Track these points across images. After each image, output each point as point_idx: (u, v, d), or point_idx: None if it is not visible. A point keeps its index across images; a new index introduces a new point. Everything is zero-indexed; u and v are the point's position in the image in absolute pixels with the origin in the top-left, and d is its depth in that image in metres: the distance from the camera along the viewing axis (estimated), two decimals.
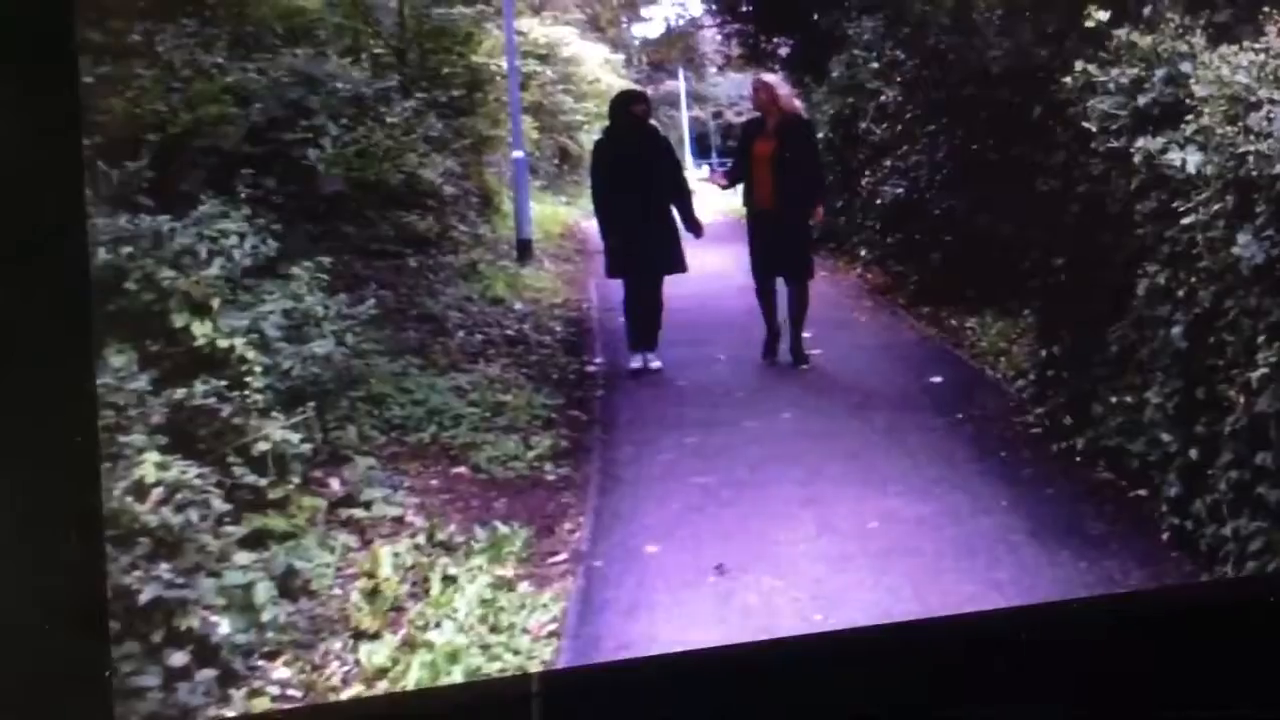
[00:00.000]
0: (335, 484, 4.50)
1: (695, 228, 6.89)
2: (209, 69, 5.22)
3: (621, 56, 8.04)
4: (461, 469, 5.03)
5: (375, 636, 4.00)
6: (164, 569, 3.62)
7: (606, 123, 7.03)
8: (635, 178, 6.69)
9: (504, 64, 6.91)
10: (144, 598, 3.52)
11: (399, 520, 4.54)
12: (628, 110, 6.77)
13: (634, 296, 6.86)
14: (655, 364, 6.61)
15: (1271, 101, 4.31)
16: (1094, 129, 5.23)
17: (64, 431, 2.97)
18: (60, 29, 3.13)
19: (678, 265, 6.82)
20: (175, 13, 5.18)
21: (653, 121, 7.46)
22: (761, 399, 5.74)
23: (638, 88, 7.48)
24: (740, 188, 6.95)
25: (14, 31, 3.01)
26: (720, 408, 5.68)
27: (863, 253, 7.06)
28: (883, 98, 7.13)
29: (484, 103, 6.94)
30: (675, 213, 6.83)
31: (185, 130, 4.92)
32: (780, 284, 6.79)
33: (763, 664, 3.50)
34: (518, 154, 6.93)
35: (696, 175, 8.05)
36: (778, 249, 6.82)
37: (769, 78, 7.02)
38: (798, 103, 7.11)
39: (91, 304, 3.18)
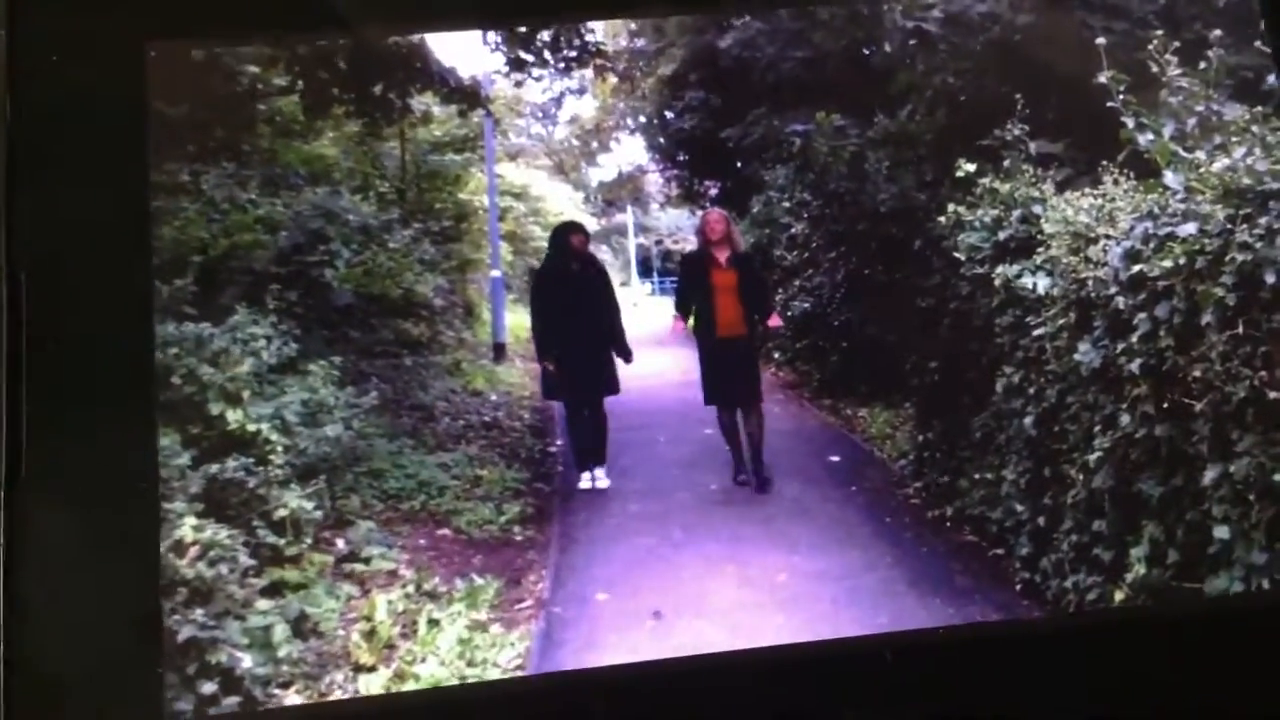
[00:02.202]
0: (341, 543, 4.41)
1: (625, 355, 6.19)
2: (243, 203, 5.17)
3: (581, 194, 7.90)
4: (445, 530, 4.94)
5: (372, 669, 3.93)
6: (199, 613, 3.57)
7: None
8: (572, 304, 6.16)
9: (486, 200, 6.80)
10: (181, 637, 3.47)
11: (393, 573, 4.45)
12: (566, 240, 6.23)
13: (575, 417, 6.24)
14: (602, 483, 5.82)
15: (1106, 237, 4.31)
16: (963, 258, 5.22)
17: (128, 454, 2.93)
18: (138, 168, 3.16)
19: (611, 388, 6.16)
20: (217, 158, 5.12)
21: (593, 250, 7.22)
22: (693, 474, 5.59)
23: (576, 220, 6.96)
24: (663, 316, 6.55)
25: (100, 167, 3.05)
26: (660, 480, 5.58)
27: (776, 355, 6.97)
28: (793, 230, 7.03)
29: (469, 231, 6.83)
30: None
31: (223, 254, 4.85)
32: None
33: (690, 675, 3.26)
34: (495, 273, 6.79)
35: (642, 291, 8.04)
36: (741, 377, 6.15)
37: (721, 211, 6.37)
38: (739, 235, 6.41)
39: (154, 362, 3.11)
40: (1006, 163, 5.27)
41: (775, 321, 6.46)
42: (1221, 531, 3.51)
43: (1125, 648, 3.09)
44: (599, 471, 5.79)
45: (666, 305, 7.23)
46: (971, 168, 5.30)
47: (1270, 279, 3.37)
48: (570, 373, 6.15)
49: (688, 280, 6.33)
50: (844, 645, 3.26)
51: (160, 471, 3.76)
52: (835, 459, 5.96)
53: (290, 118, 5.68)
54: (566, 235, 6.26)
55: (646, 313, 7.35)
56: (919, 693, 3.05)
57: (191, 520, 3.76)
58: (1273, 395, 3.35)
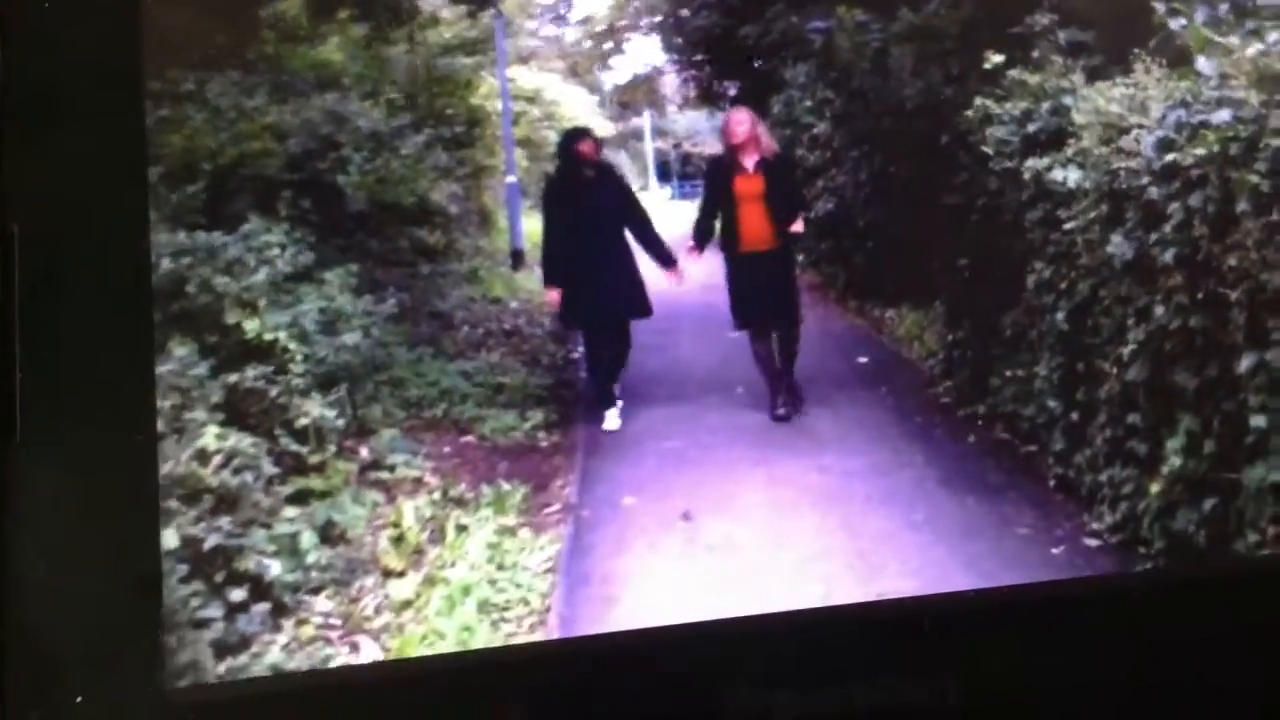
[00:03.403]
0: (364, 451, 4.50)
1: (666, 260, 5.88)
2: (251, 111, 5.17)
3: (596, 98, 7.78)
4: (469, 438, 5.03)
5: (401, 575, 4.03)
6: (225, 521, 3.66)
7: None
8: (587, 218, 5.86)
9: (498, 105, 6.76)
10: (207, 545, 3.56)
11: (418, 481, 4.54)
12: (573, 149, 5.95)
13: (595, 347, 5.92)
14: (611, 424, 5.56)
15: (1138, 127, 4.34)
16: (991, 153, 5.23)
17: (126, 421, 2.86)
18: (132, 78, 3.03)
19: (639, 309, 5.83)
20: (223, 65, 5.13)
21: (616, 159, 7.11)
22: (719, 378, 5.62)
23: (583, 125, 6.68)
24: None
25: (91, 81, 2.97)
26: (685, 384, 5.64)
27: (800, 258, 7.00)
28: (815, 130, 6.95)
29: (481, 137, 6.79)
30: (641, 249, 5.88)
31: (233, 162, 4.89)
32: None
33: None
34: (511, 179, 6.73)
35: (662, 196, 8.03)
36: (775, 296, 5.88)
37: (745, 112, 6.01)
38: (771, 138, 6.05)
39: (152, 305, 3.01)
40: (1035, 53, 5.26)
41: (797, 226, 5.97)
42: (1258, 420, 3.58)
43: (1160, 610, 3.16)
44: (610, 412, 5.59)
45: (686, 210, 7.25)
46: (1000, 59, 5.29)
47: None
48: (589, 295, 5.87)
49: (710, 190, 6.09)
50: (876, 609, 3.42)
51: (178, 381, 3.90)
52: (863, 360, 6.04)
53: (294, 22, 5.68)
54: (573, 144, 6.01)
55: (667, 218, 7.37)
56: (953, 660, 3.08)
57: (214, 429, 3.84)
58: None
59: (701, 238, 5.96)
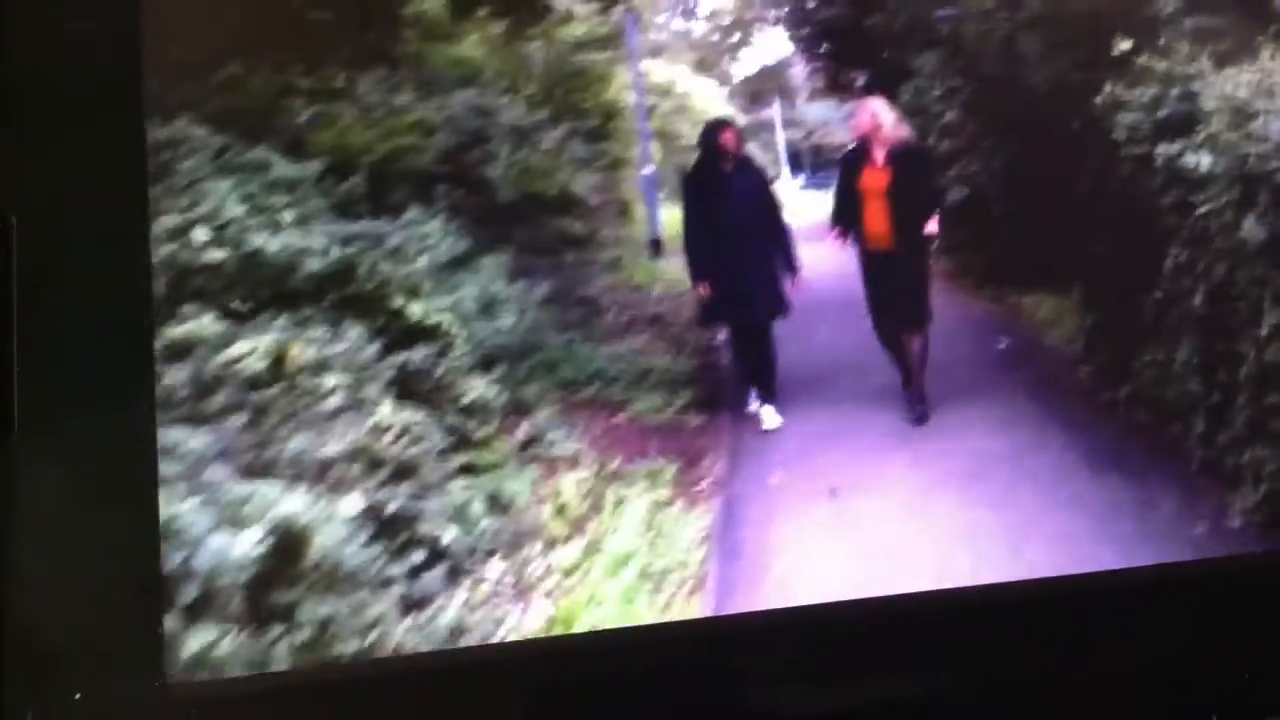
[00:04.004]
0: (522, 429, 4.80)
1: (792, 266, 5.85)
2: (398, 107, 5.43)
3: (726, 90, 7.90)
4: (620, 418, 5.34)
5: (565, 542, 4.38)
6: (404, 488, 4.03)
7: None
8: (727, 213, 5.87)
9: (631, 98, 6.95)
10: (388, 510, 3.93)
11: (575, 457, 4.85)
12: (716, 139, 5.95)
13: (741, 344, 5.90)
14: (771, 422, 5.54)
15: (1266, 111, 4.56)
16: (1122, 139, 5.44)
17: (126, 416, 2.94)
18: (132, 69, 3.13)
19: (778, 308, 5.82)
20: (370, 64, 5.40)
21: (748, 150, 6.85)
22: (858, 364, 5.76)
23: (726, 115, 6.76)
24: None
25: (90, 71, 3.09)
26: (824, 369, 5.81)
27: (934, 246, 7.15)
28: (946, 118, 6.98)
29: (616, 130, 6.96)
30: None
31: (385, 157, 5.18)
32: None
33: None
34: (647, 169, 6.90)
35: (795, 185, 8.17)
36: (899, 297, 5.78)
37: (875, 102, 6.05)
38: (906, 130, 6.04)
39: (151, 299, 3.09)
40: (1163, 39, 5.43)
41: (932, 228, 5.91)
42: None
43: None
44: (767, 409, 5.60)
45: (819, 200, 7.42)
46: (1127, 45, 5.49)
47: None
48: (728, 294, 5.82)
49: (840, 183, 6.07)
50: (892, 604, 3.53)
51: (352, 360, 4.24)
52: (1001, 346, 6.19)
53: (435, 21, 5.99)
54: (716, 134, 5.96)
55: (799, 208, 7.56)
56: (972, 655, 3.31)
57: (387, 405, 4.20)
58: None
59: (842, 224, 5.90)
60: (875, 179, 5.85)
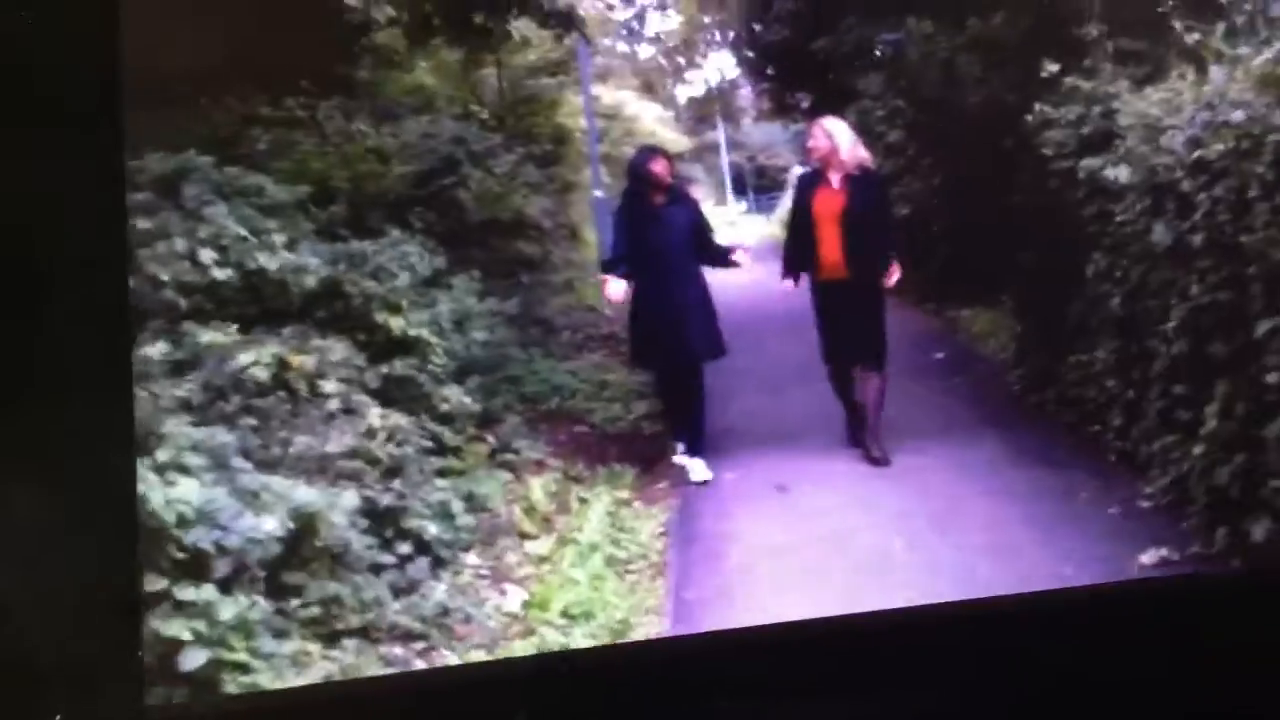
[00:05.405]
0: (491, 438, 5.54)
1: (728, 262, 5.96)
2: (355, 135, 6.08)
3: (671, 113, 8.46)
4: (582, 427, 6.09)
5: (536, 537, 5.14)
6: (396, 484, 4.75)
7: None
8: (655, 249, 5.88)
9: (581, 123, 7.55)
10: (382, 504, 4.63)
11: (540, 463, 5.60)
12: (646, 169, 5.95)
13: (668, 386, 6.06)
14: (699, 476, 5.75)
15: (1173, 127, 5.41)
16: (1050, 154, 6.22)
17: (106, 442, 3.15)
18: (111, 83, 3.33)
19: (714, 350, 5.93)
20: (328, 92, 6.08)
21: (692, 173, 7.62)
22: (805, 374, 6.28)
23: (654, 144, 6.71)
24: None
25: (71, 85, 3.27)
26: (772, 378, 6.49)
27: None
28: (889, 138, 7.46)
29: (567, 154, 7.60)
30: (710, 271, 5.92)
31: (348, 185, 5.84)
32: None
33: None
34: (598, 193, 7.39)
35: (737, 210, 8.76)
36: (853, 331, 5.92)
37: (831, 123, 6.05)
38: (864, 151, 6.07)
39: (130, 323, 3.32)
40: (1087, 62, 6.19)
41: (893, 275, 5.97)
42: (1272, 377, 4.63)
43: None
44: (696, 463, 5.84)
45: (760, 225, 8.11)
46: (1055, 68, 6.19)
47: None
48: (659, 332, 5.93)
49: (793, 207, 6.18)
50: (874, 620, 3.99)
51: (341, 372, 4.98)
52: (939, 355, 7.01)
53: (389, 50, 6.64)
54: (645, 163, 5.99)
55: (742, 232, 8.21)
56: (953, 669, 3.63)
57: (376, 410, 4.94)
58: None
59: (791, 265, 6.05)
60: (829, 204, 5.94)
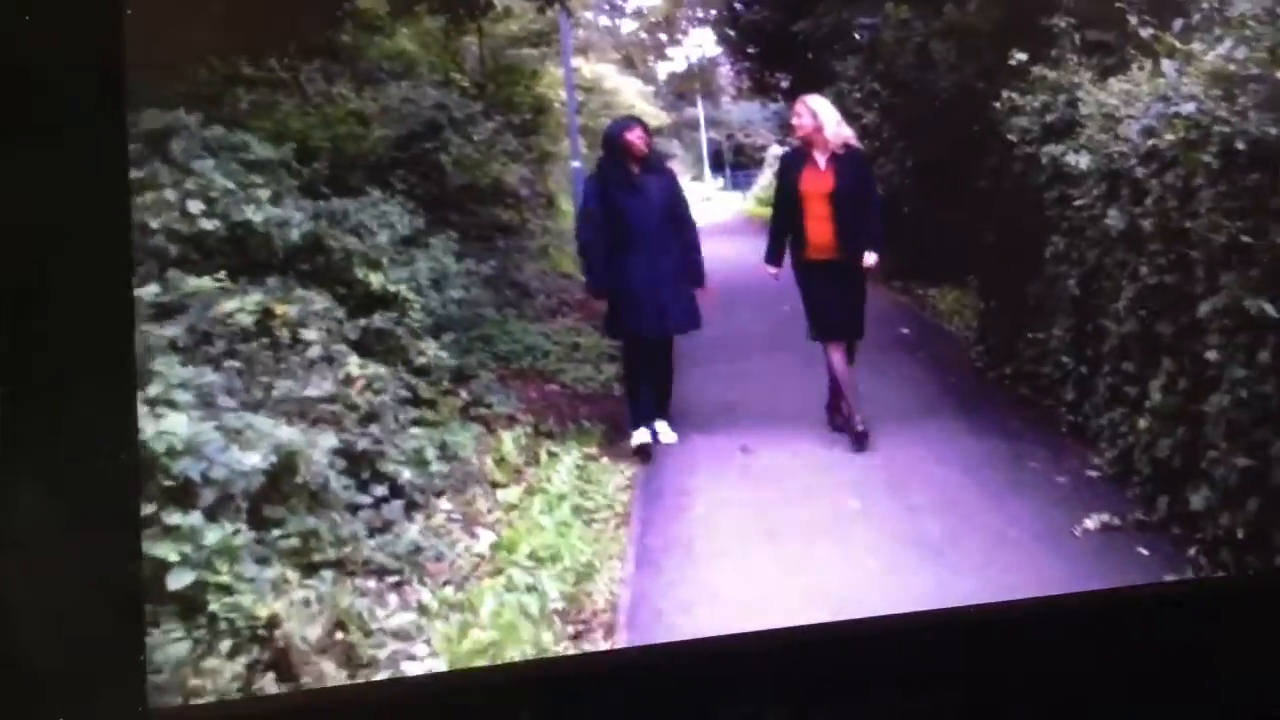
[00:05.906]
0: (465, 393, 5.80)
1: (697, 279, 5.99)
2: (336, 97, 6.32)
3: (651, 89, 8.74)
4: (553, 386, 6.37)
5: (506, 486, 5.42)
6: (373, 429, 5.03)
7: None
8: (630, 219, 5.94)
9: (561, 94, 7.79)
10: (359, 447, 4.90)
11: (512, 418, 5.86)
12: (622, 140, 5.99)
13: (636, 360, 6.11)
14: (668, 437, 5.96)
15: (1129, 117, 5.73)
16: (1015, 140, 6.52)
17: (108, 440, 3.14)
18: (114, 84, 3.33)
19: (691, 321, 6.02)
20: (311, 55, 6.34)
21: (669, 149, 7.87)
22: (775, 343, 6.67)
23: (632, 114, 6.90)
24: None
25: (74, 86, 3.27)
26: (744, 347, 6.82)
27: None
28: (864, 120, 7.63)
29: (546, 124, 7.87)
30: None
31: (329, 145, 6.07)
32: None
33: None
34: (575, 164, 7.62)
35: (714, 186, 9.07)
36: (842, 309, 6.03)
37: (815, 100, 6.12)
38: (847, 130, 6.14)
39: (134, 320, 3.29)
40: (1054, 52, 6.50)
41: (870, 259, 6.04)
42: (1212, 355, 4.96)
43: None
44: (661, 425, 6.05)
45: (737, 201, 8.35)
46: (1024, 56, 6.50)
47: (1241, 146, 4.83)
48: (633, 303, 5.99)
49: (778, 186, 6.23)
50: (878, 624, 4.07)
51: (323, 323, 5.27)
52: (905, 331, 7.33)
53: (371, 15, 6.92)
54: (621, 134, 6.03)
55: (719, 208, 8.49)
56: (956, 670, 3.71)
57: (355, 359, 5.21)
58: (1245, 239, 4.80)
59: (775, 252, 6.14)
60: (816, 183, 6.02)
